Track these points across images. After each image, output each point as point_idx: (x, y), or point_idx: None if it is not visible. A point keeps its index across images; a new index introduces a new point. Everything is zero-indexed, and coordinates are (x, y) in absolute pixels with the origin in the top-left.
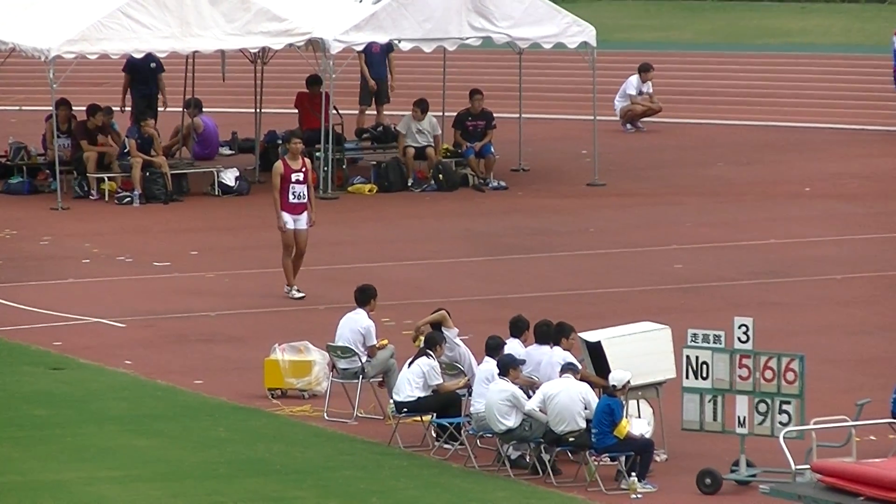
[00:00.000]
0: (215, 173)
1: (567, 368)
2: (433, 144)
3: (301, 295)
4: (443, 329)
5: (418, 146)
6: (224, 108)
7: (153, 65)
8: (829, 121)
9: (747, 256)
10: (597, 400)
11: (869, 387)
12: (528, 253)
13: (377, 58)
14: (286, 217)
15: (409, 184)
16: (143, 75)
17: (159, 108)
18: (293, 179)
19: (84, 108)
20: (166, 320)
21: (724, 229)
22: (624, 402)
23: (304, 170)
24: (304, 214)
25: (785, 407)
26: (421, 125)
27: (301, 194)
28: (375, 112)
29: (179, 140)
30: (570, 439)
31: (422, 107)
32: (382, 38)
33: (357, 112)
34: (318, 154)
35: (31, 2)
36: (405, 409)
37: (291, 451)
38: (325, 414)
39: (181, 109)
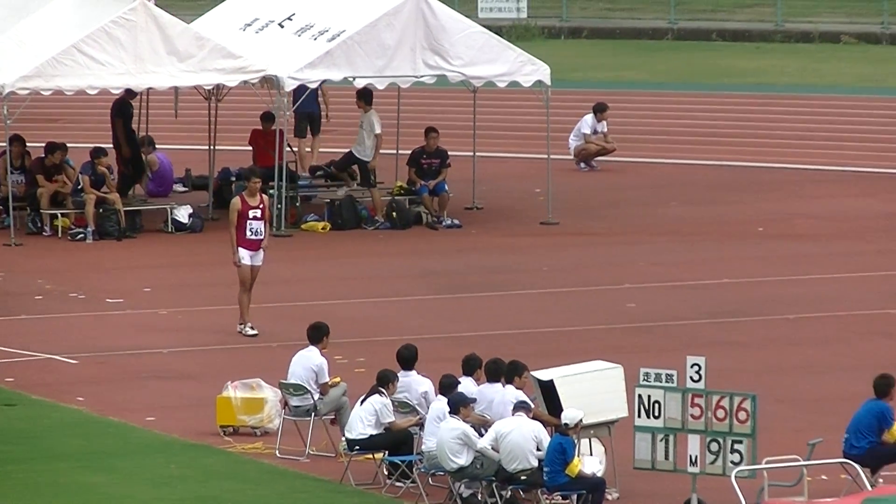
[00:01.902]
0: (169, 210)
1: (519, 407)
2: (373, 150)
3: (254, 332)
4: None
5: (361, 159)
6: (177, 146)
7: (132, 110)
8: (784, 161)
9: (700, 296)
10: (549, 438)
11: (821, 427)
12: (481, 291)
13: (307, 93)
14: (242, 252)
15: (363, 215)
16: (128, 116)
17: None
18: (251, 216)
19: (37, 145)
20: (119, 357)
21: (678, 268)
22: (576, 441)
23: (261, 206)
24: (261, 251)
25: (737, 446)
26: (363, 119)
27: (258, 230)
28: (310, 148)
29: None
30: (523, 477)
31: (365, 98)
32: (337, 76)
33: (297, 149)
34: (271, 191)
35: None
36: (357, 447)
37: (244, 489)
38: (278, 451)
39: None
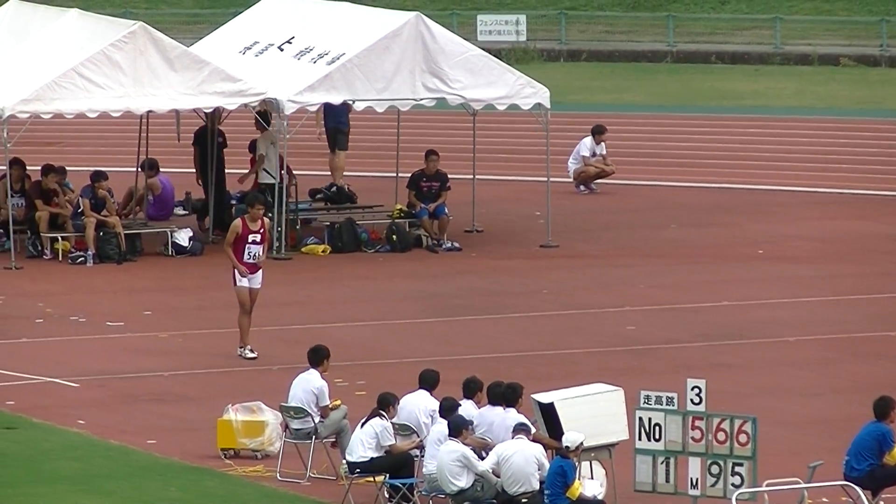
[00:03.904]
0: (169, 233)
1: (519, 429)
2: (276, 177)
3: (254, 355)
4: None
5: (266, 182)
6: (177, 168)
7: (220, 139)
8: (782, 183)
9: (700, 318)
10: (549, 461)
11: (821, 449)
12: (480, 314)
13: (335, 107)
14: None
15: (362, 238)
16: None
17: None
18: (250, 240)
19: (37, 168)
20: (119, 380)
21: (677, 291)
22: (577, 464)
23: (261, 230)
24: (259, 273)
25: (737, 469)
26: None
27: (257, 255)
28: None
29: (133, 203)
30: (524, 500)
31: (264, 118)
32: (336, 99)
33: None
34: (270, 214)
35: None
36: (358, 470)
37: None
38: (278, 474)
39: (135, 170)
